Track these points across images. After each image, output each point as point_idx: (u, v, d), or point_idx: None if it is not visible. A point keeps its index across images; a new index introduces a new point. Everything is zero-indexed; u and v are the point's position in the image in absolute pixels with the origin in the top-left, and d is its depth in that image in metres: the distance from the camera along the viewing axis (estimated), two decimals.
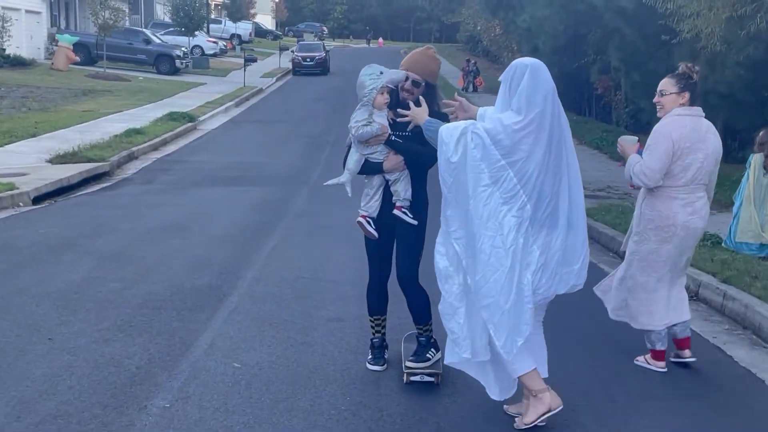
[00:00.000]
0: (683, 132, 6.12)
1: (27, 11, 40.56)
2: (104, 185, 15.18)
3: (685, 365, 6.35)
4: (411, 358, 5.81)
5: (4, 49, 35.40)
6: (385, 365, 5.99)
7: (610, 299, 6.50)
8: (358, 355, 6.25)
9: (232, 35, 65.10)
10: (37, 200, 13.21)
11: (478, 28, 49.83)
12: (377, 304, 6.14)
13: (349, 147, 5.85)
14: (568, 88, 29.40)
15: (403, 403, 5.50)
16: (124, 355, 6.11)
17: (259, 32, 79.85)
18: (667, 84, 6.20)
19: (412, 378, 5.75)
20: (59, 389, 5.51)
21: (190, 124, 23.78)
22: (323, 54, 48.58)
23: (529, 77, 4.97)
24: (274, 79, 44.59)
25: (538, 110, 4.90)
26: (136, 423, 5.03)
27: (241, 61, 41.89)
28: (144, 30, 47.18)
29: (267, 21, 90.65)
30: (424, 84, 5.81)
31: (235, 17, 67.74)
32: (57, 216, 12.12)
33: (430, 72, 5.94)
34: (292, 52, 50.96)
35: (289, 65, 49.15)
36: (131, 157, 18.05)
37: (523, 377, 5.06)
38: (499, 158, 4.90)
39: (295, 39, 72.47)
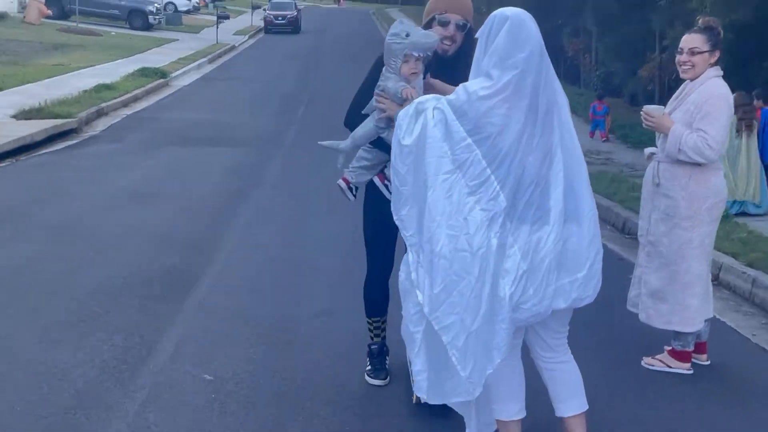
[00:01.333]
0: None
1: None
2: (70, 143, 13.75)
3: (738, 378, 5.14)
4: None
5: None
6: (388, 378, 4.68)
7: (659, 309, 5.22)
8: (354, 365, 4.88)
9: None
10: None
11: None
12: (378, 303, 4.77)
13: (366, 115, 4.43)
14: None
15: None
16: (70, 363, 4.73)
17: None
18: (698, 41, 4.95)
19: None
20: None
21: (162, 80, 22.26)
22: (295, 13, 46.59)
23: (507, 32, 3.56)
24: (247, 36, 42.58)
25: (515, 72, 3.47)
26: None
27: (214, 18, 40.14)
28: None
29: None
30: (469, 25, 4.31)
31: None
32: (14, 178, 10.74)
33: (468, 10, 4.43)
34: (264, 10, 48.70)
35: (261, 23, 47.02)
36: (100, 114, 16.55)
37: (500, 423, 3.83)
38: (465, 135, 3.49)
39: None
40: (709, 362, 5.21)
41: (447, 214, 3.48)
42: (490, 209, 3.44)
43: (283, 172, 12.00)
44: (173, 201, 9.53)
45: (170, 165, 12.11)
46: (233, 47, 36.09)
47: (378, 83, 4.20)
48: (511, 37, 3.51)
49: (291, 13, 46.30)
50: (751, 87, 14.87)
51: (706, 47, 4.91)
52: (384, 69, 4.22)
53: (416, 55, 4.10)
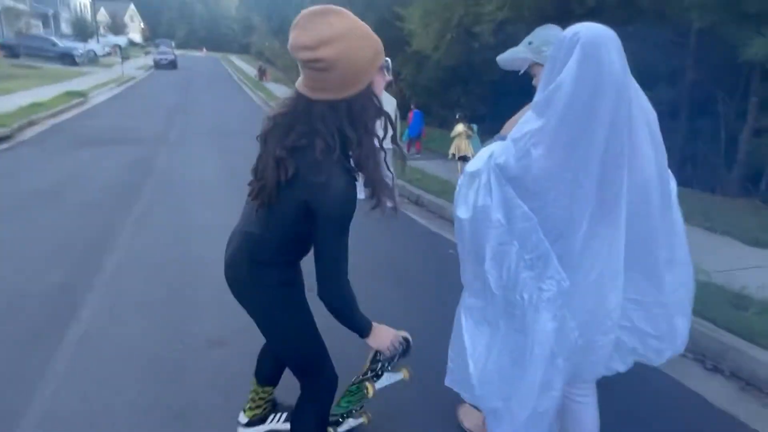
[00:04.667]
0: None
1: None
2: (3, 147, 9.52)
3: None
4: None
5: None
6: None
7: None
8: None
9: (115, 45, 53.15)
10: None
11: (266, 44, 42.58)
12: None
13: None
14: None
15: None
16: None
17: (133, 44, 66.47)
18: None
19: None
20: None
21: (82, 98, 17.28)
22: (173, 56, 39.91)
23: (576, 59, 1.42)
24: (143, 71, 35.66)
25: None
26: None
27: (121, 59, 33.50)
28: (52, 38, 36.12)
29: (137, 37, 76.15)
30: None
31: (116, 33, 56.70)
32: None
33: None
34: (154, 55, 41.57)
35: (152, 63, 40.05)
36: (31, 124, 12.01)
37: None
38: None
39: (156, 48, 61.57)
40: None
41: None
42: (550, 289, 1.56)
43: (169, 163, 8.62)
44: (77, 197, 6.11)
45: (80, 162, 8.40)
46: (134, 77, 29.95)
47: None
48: (578, 69, 1.53)
49: (171, 56, 39.71)
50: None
51: None
52: None
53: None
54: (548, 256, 1.51)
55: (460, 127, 8.20)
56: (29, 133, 11.21)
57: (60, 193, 6.20)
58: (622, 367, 1.73)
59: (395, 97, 5.73)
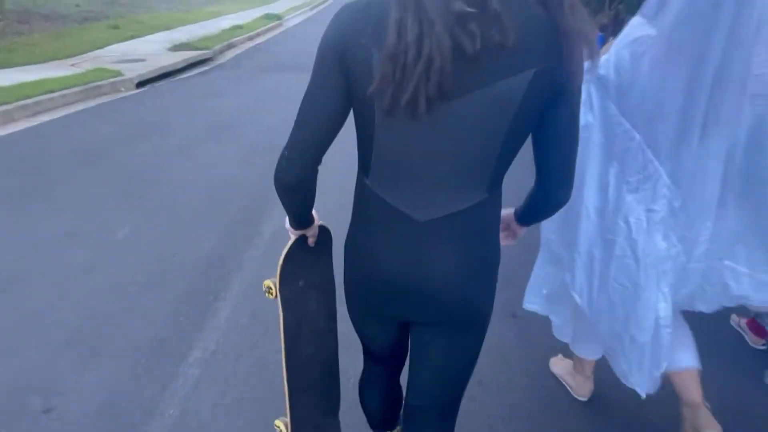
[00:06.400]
0: None
1: None
2: (203, 69, 9.71)
3: None
4: None
5: None
6: None
7: None
8: None
9: None
10: (142, 84, 7.91)
11: None
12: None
13: None
14: None
15: None
16: None
17: None
18: None
19: None
20: None
21: (277, 21, 17.54)
22: None
23: None
24: None
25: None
26: None
27: None
28: None
29: None
30: None
31: None
32: (135, 106, 6.74)
33: None
34: None
35: None
36: (230, 47, 12.29)
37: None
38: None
39: None
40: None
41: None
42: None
43: None
44: (253, 132, 5.56)
45: (266, 89, 8.04)
46: (327, 0, 30.17)
47: None
48: None
49: None
50: None
51: None
52: None
53: None
54: (658, 175, 1.33)
55: None
56: (228, 55, 11.43)
57: (235, 127, 5.71)
58: (706, 308, 1.47)
59: (608, 21, 3.94)
